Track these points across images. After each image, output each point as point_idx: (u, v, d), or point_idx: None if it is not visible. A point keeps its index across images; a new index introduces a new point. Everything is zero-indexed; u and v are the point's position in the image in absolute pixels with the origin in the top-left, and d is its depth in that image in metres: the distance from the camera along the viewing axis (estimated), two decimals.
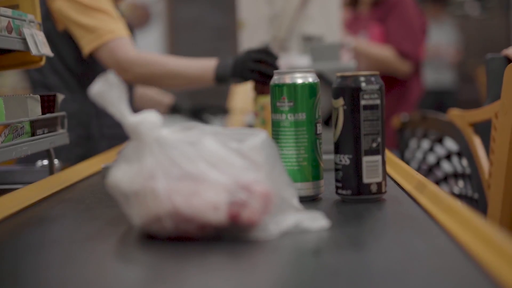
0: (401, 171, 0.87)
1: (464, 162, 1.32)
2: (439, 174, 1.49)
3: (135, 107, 1.86)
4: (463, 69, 4.91)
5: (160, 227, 0.60)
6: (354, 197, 0.73)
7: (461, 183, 1.37)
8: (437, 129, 1.49)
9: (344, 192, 0.73)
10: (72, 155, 1.54)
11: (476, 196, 1.25)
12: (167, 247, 0.57)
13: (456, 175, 1.39)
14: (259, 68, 1.33)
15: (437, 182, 1.47)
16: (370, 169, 0.72)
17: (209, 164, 0.61)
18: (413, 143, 1.70)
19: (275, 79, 0.76)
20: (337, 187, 0.74)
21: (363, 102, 0.72)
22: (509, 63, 0.94)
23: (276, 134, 0.75)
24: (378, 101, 0.73)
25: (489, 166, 1.08)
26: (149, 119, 0.63)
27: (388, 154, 0.87)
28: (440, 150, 1.48)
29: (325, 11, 2.38)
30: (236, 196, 0.59)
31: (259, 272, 0.52)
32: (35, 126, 0.91)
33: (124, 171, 0.63)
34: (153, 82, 1.56)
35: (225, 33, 4.91)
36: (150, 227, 0.61)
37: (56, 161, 1.03)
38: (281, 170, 0.65)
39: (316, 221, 0.62)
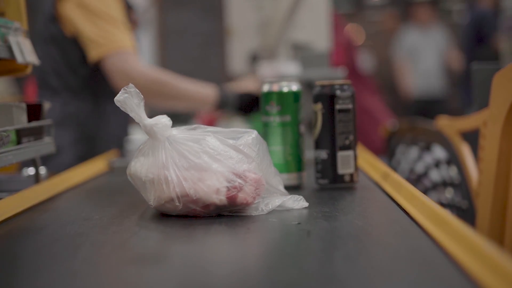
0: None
1: (453, 170, 1.35)
2: (427, 182, 1.52)
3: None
4: (452, 76, 5.11)
5: (172, 207, 0.78)
6: (330, 185, 0.92)
7: (450, 191, 1.40)
8: (426, 138, 1.52)
9: (322, 181, 0.92)
10: (71, 154, 1.66)
11: (464, 205, 1.28)
12: (178, 221, 0.76)
13: (445, 184, 1.42)
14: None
15: (426, 191, 1.51)
16: (344, 162, 0.91)
17: (211, 157, 0.79)
18: (400, 150, 1.75)
19: (266, 87, 0.95)
20: (316, 177, 0.93)
21: (337, 107, 0.91)
22: (496, 71, 0.97)
23: (265, 133, 0.94)
24: (350, 106, 0.92)
25: (478, 175, 1.09)
26: (162, 121, 0.81)
27: (360, 150, 1.05)
28: (428, 158, 1.52)
29: (314, 17, 2.48)
30: (233, 182, 0.78)
31: (251, 236, 0.70)
32: (20, 135, 0.92)
33: (141, 163, 0.82)
34: (156, 100, 1.69)
35: (214, 40, 5.08)
36: (164, 207, 0.79)
37: (42, 170, 1.05)
38: (269, 162, 0.83)
39: (297, 202, 0.81)
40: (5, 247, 0.68)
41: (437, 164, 1.45)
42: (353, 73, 2.98)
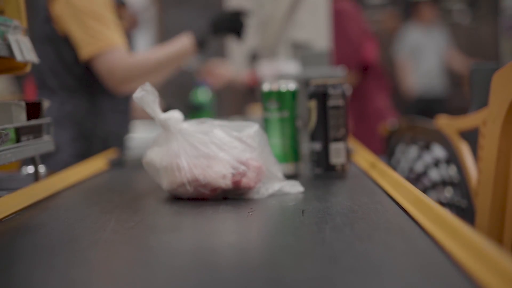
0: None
1: (452, 170, 1.36)
2: (427, 181, 1.53)
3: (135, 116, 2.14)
4: (453, 75, 5.23)
5: (184, 191, 0.91)
6: (323, 173, 1.05)
7: (449, 191, 1.40)
8: (425, 137, 1.53)
9: (316, 170, 1.05)
10: (69, 153, 1.73)
11: (464, 204, 1.29)
12: (189, 203, 0.89)
13: (444, 183, 1.43)
14: (235, 25, 1.72)
15: (425, 190, 1.52)
16: (336, 153, 1.04)
17: (218, 147, 0.92)
18: (400, 149, 1.76)
19: (266, 87, 1.08)
20: (311, 167, 1.06)
21: (329, 104, 1.04)
22: (493, 71, 0.98)
23: (266, 127, 1.07)
24: (341, 103, 1.05)
25: (477, 174, 1.10)
26: (175, 116, 0.94)
27: (351, 142, 1.17)
28: (428, 158, 1.53)
29: (313, 16, 2.42)
30: (237, 168, 0.90)
31: (254, 214, 0.83)
32: (20, 133, 0.93)
33: (156, 152, 0.95)
34: (144, 81, 1.75)
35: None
36: (177, 191, 0.92)
37: (42, 168, 1.07)
38: (269, 152, 0.96)
39: (294, 187, 0.94)
40: (17, 240, 0.71)
41: (436, 163, 1.48)
42: (375, 70, 2.85)
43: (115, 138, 1.86)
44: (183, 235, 0.71)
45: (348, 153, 1.07)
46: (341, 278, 0.53)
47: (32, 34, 1.76)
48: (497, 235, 0.97)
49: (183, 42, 1.75)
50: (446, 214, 0.68)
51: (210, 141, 0.93)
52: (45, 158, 1.59)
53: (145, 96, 0.93)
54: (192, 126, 0.95)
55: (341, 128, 1.05)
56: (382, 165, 1.04)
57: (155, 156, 0.95)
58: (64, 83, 1.76)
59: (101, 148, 1.76)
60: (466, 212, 1.26)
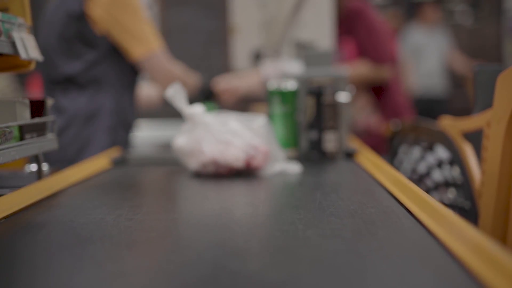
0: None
1: (456, 171, 1.37)
2: (430, 182, 1.53)
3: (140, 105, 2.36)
4: (454, 76, 5.45)
5: (206, 170, 1.19)
6: (318, 157, 1.32)
7: (452, 192, 1.40)
8: (428, 138, 1.53)
9: (312, 155, 1.33)
10: (103, 142, 1.89)
11: (467, 205, 1.31)
12: (211, 179, 1.16)
13: (447, 184, 1.44)
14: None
15: (428, 191, 1.50)
16: (329, 141, 1.32)
17: (233, 135, 1.20)
18: (403, 149, 1.74)
19: (272, 87, 1.36)
20: (308, 152, 1.34)
21: (324, 101, 1.32)
22: (497, 73, 1.00)
23: (272, 119, 1.35)
24: (334, 100, 1.32)
25: (480, 176, 1.10)
26: (198, 110, 1.22)
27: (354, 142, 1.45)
28: (431, 159, 1.53)
29: (317, 16, 2.49)
30: (249, 152, 1.18)
31: (262, 186, 1.10)
32: (23, 131, 0.94)
33: (184, 139, 1.22)
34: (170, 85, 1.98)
35: (217, 38, 5.09)
36: (200, 170, 1.20)
37: (45, 166, 1.09)
38: (274, 139, 1.23)
39: (294, 167, 1.21)
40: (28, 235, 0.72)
41: (439, 164, 1.48)
42: (395, 65, 2.90)
43: (132, 128, 2.06)
44: (209, 198, 0.98)
45: (340, 142, 1.35)
46: (325, 218, 0.80)
47: (61, 32, 1.88)
48: (501, 237, 0.99)
49: (196, 82, 2.10)
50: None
51: (227, 130, 1.20)
52: (83, 149, 1.85)
53: (175, 95, 1.21)
54: (212, 118, 1.22)
55: (333, 121, 1.33)
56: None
57: (183, 142, 1.22)
58: (92, 79, 1.90)
59: (126, 137, 1.96)
60: (469, 214, 1.27)
